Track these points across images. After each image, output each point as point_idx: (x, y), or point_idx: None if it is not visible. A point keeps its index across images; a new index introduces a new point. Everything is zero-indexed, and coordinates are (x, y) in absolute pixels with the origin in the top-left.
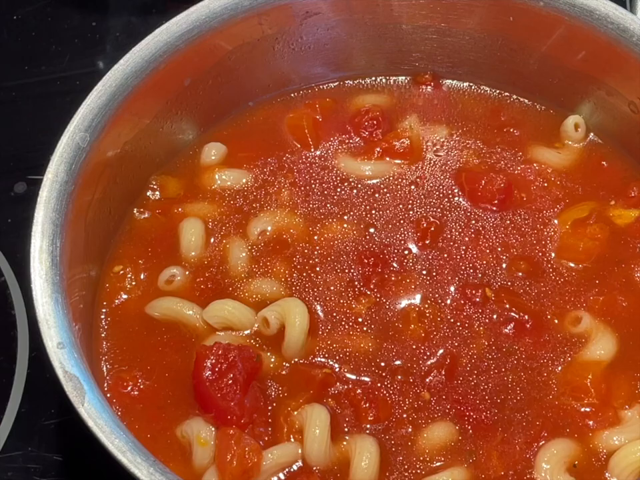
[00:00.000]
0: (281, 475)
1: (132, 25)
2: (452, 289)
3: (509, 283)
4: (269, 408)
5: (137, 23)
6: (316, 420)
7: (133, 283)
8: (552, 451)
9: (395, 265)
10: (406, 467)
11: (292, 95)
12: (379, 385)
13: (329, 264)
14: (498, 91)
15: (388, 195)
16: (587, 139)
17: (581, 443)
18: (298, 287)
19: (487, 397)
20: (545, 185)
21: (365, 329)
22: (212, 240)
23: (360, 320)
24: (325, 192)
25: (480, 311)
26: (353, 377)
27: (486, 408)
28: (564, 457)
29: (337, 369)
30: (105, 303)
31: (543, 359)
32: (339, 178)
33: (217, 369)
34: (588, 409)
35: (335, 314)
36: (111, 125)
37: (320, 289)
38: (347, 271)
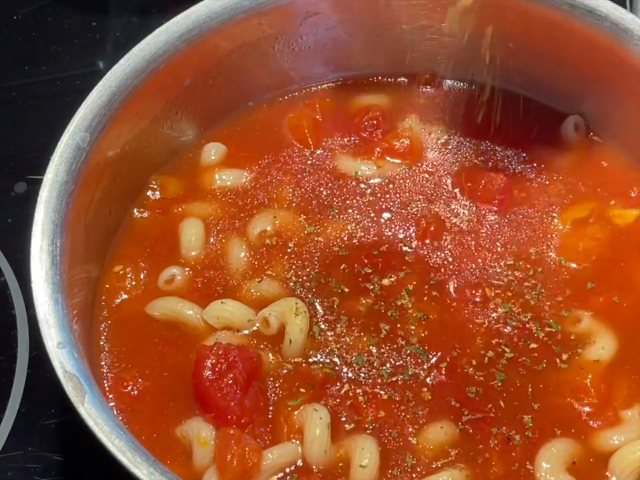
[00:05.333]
0: (281, 475)
1: (132, 25)
2: (452, 288)
3: (509, 283)
4: (269, 408)
5: (137, 23)
6: (316, 420)
7: (133, 283)
8: (552, 450)
9: (395, 264)
10: (406, 466)
11: (292, 94)
12: (379, 384)
13: (328, 264)
14: (498, 91)
15: (388, 194)
16: (587, 139)
17: (581, 443)
18: (298, 287)
19: (487, 397)
20: (545, 184)
21: (365, 328)
22: (212, 240)
23: (360, 319)
24: (325, 192)
25: (480, 310)
26: (353, 376)
27: (486, 408)
28: (564, 457)
29: (337, 369)
30: (105, 303)
31: (542, 359)
32: (339, 178)
33: (217, 369)
34: (588, 409)
35: (335, 313)
36: (111, 125)
37: (320, 288)
38: (347, 270)
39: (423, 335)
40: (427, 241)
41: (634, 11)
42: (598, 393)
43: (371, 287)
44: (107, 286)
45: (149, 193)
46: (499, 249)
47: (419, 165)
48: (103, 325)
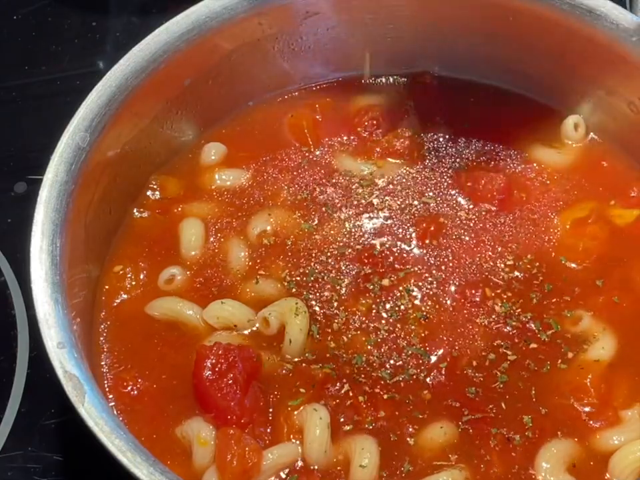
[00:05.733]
0: (281, 475)
1: (132, 24)
2: (452, 288)
3: (509, 283)
4: (269, 408)
5: (137, 23)
6: (316, 420)
7: (133, 283)
8: (552, 450)
9: (395, 264)
10: (405, 467)
11: (292, 94)
12: (379, 384)
13: (328, 264)
14: (498, 91)
15: (388, 195)
16: (586, 139)
17: (580, 443)
18: (298, 287)
19: (487, 397)
20: (545, 184)
21: (364, 328)
22: (211, 240)
23: (360, 319)
24: (325, 191)
25: (480, 310)
26: (353, 376)
27: (486, 408)
28: (564, 457)
29: (337, 369)
30: (104, 303)
31: (543, 359)
32: (338, 177)
33: (217, 369)
34: (588, 409)
35: (334, 313)
36: (111, 125)
37: (320, 288)
38: (346, 270)
39: (423, 335)
40: (427, 241)
41: (634, 11)
42: (598, 393)
43: (371, 286)
44: (107, 286)
45: (149, 192)
46: (498, 248)
47: (419, 164)
48: (102, 325)
